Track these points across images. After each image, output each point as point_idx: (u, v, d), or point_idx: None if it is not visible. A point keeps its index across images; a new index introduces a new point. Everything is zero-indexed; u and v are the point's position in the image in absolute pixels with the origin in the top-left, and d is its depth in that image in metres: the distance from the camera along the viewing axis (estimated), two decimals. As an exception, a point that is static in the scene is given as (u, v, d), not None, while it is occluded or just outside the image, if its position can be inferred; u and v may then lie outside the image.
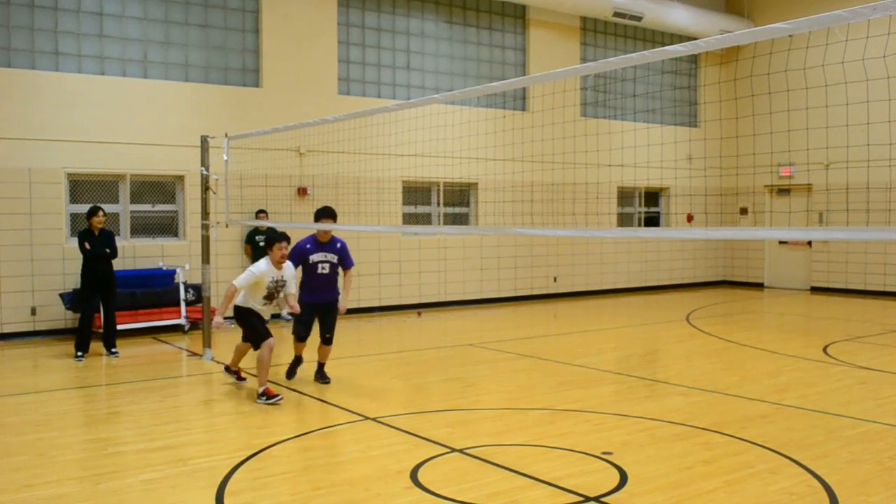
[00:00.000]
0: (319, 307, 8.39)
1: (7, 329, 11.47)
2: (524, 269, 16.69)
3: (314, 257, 8.35)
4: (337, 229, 8.38)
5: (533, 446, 6.17)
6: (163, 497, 5.15)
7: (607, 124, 17.01)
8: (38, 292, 11.65)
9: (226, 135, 10.43)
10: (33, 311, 11.66)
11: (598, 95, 17.82)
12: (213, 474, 5.54)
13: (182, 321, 12.09)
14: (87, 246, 10.14)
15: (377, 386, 8.51)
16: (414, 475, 5.47)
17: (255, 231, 13.26)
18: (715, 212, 19.17)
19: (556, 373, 9.29)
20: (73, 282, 11.61)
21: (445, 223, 15.73)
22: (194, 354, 10.45)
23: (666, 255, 19.13)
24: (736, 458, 5.87)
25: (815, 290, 18.27)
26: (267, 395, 7.62)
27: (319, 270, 8.36)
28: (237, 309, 8.01)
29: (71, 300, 11.27)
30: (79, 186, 12.17)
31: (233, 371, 8.63)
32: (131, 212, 12.57)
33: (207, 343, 10.15)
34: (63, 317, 11.78)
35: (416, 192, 15.35)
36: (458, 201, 16.09)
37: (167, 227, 12.99)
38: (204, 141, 10.28)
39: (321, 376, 8.51)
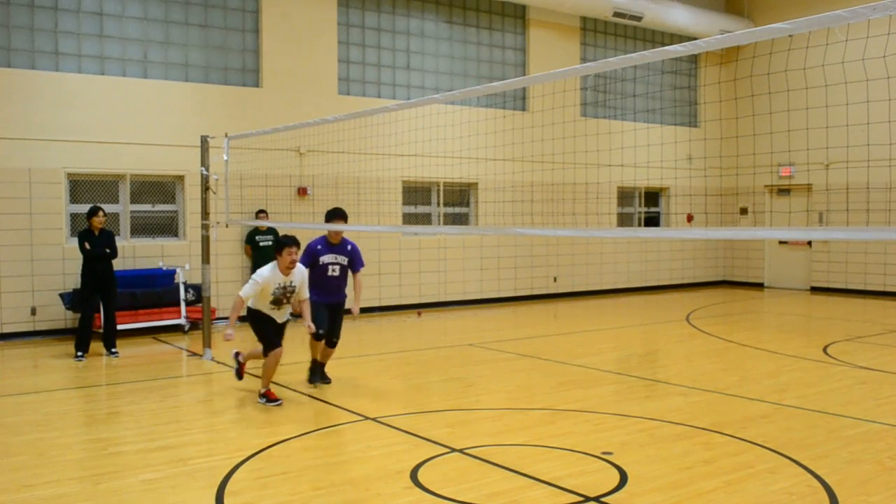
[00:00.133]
0: (328, 309, 8.28)
1: (7, 329, 11.47)
2: (524, 269, 16.69)
3: (325, 258, 8.26)
4: (337, 229, 8.36)
5: (533, 446, 6.17)
6: (163, 497, 5.15)
7: (607, 124, 17.00)
8: (38, 292, 11.65)
9: (226, 135, 10.43)
10: (33, 311, 11.66)
11: (598, 95, 17.82)
12: (213, 474, 5.54)
13: (182, 321, 12.10)
14: (87, 246, 10.14)
15: (377, 386, 8.51)
16: (414, 475, 5.47)
17: (255, 231, 13.26)
18: (715, 212, 19.17)
19: (556, 373, 9.30)
20: (73, 282, 11.61)
21: (445, 223, 15.72)
22: (194, 354, 10.45)
23: (666, 255, 19.13)
24: (736, 458, 5.87)
25: (815, 290, 18.27)
26: (267, 398, 7.62)
27: (330, 272, 8.26)
28: (248, 311, 7.82)
29: (71, 300, 11.27)
30: (79, 186, 12.17)
31: (239, 363, 8.33)
32: (131, 212, 12.57)
33: (207, 343, 10.15)
34: (63, 317, 11.78)
35: (416, 192, 15.35)
36: (458, 201, 16.09)
37: (167, 227, 12.99)
38: (204, 141, 10.29)
39: (322, 377, 8.50)
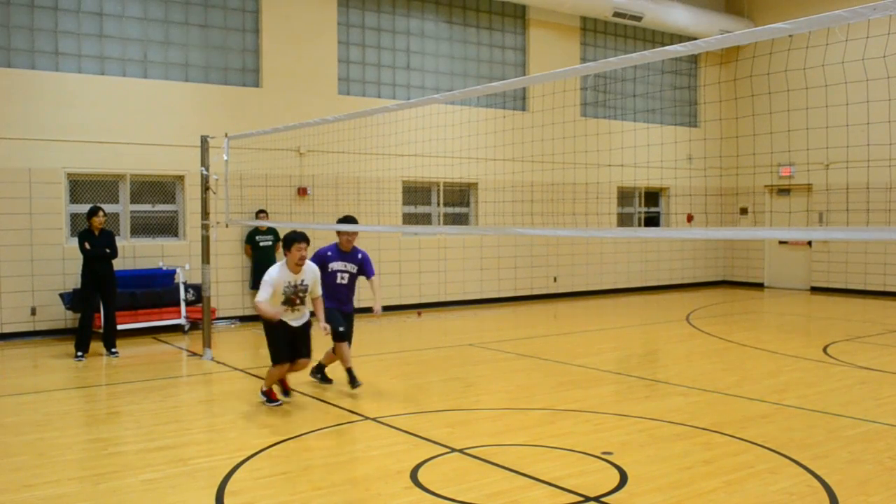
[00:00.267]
0: (340, 312, 8.11)
1: (7, 329, 11.47)
2: (524, 269, 16.69)
3: (334, 265, 8.10)
4: (337, 229, 8.33)
5: (533, 446, 6.17)
6: (163, 497, 5.15)
7: (607, 124, 17.01)
8: (38, 292, 11.65)
9: (226, 135, 10.42)
10: (33, 311, 11.66)
11: (598, 95, 17.82)
12: (213, 474, 5.54)
13: (182, 321, 12.10)
14: (88, 246, 10.14)
15: (377, 386, 8.50)
16: (414, 475, 5.47)
17: (255, 231, 13.26)
18: (715, 212, 19.17)
19: (556, 373, 9.29)
20: (73, 282, 11.61)
21: (445, 223, 15.72)
22: (194, 354, 10.45)
23: (666, 255, 19.13)
24: (736, 458, 5.87)
25: (815, 290, 18.27)
26: (267, 397, 7.58)
27: (339, 280, 8.11)
28: (264, 321, 7.48)
29: (71, 300, 11.27)
30: (79, 186, 12.17)
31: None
32: (131, 212, 12.57)
33: (207, 343, 10.15)
34: (63, 317, 11.78)
35: (416, 192, 15.35)
36: (458, 201, 16.09)
37: (167, 227, 12.99)
38: (204, 141, 10.28)
39: (322, 377, 8.49)
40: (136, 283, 11.86)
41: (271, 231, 13.33)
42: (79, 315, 10.51)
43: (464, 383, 8.82)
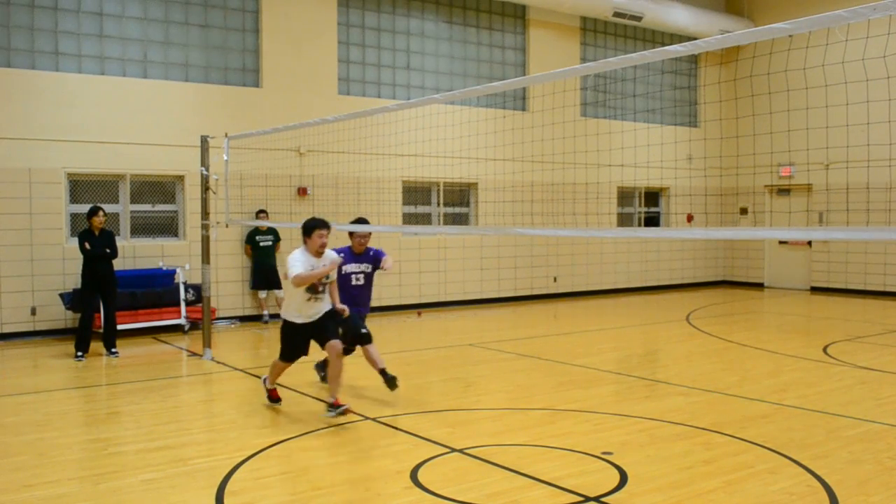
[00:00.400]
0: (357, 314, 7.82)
1: (7, 329, 11.48)
2: (524, 269, 16.69)
3: (348, 267, 7.92)
4: (337, 229, 8.28)
5: (533, 446, 6.17)
6: (163, 497, 5.15)
7: (607, 124, 17.01)
8: (38, 292, 11.65)
9: (226, 135, 10.43)
10: (33, 311, 11.66)
11: (598, 95, 17.82)
12: (213, 474, 5.54)
13: (182, 321, 12.10)
14: (88, 246, 10.14)
15: (377, 386, 8.49)
16: (414, 475, 5.47)
17: (255, 231, 13.26)
18: (715, 212, 19.17)
19: (556, 373, 9.29)
20: (73, 282, 11.61)
21: (445, 223, 15.72)
22: (194, 354, 10.45)
23: (666, 255, 19.13)
24: (736, 458, 5.87)
25: (815, 290, 18.27)
26: (269, 394, 7.57)
27: (353, 282, 7.93)
28: (283, 322, 7.30)
29: (71, 300, 11.27)
30: (79, 186, 12.17)
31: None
32: (131, 212, 12.57)
33: (207, 343, 10.15)
34: (63, 317, 11.78)
35: (416, 192, 15.35)
36: (458, 201, 16.09)
37: (167, 227, 12.99)
38: (204, 141, 10.28)
39: (325, 376, 8.40)
40: (136, 283, 11.86)
41: (271, 231, 13.33)
42: (79, 315, 10.50)
43: (464, 383, 8.82)
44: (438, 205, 15.71)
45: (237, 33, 13.45)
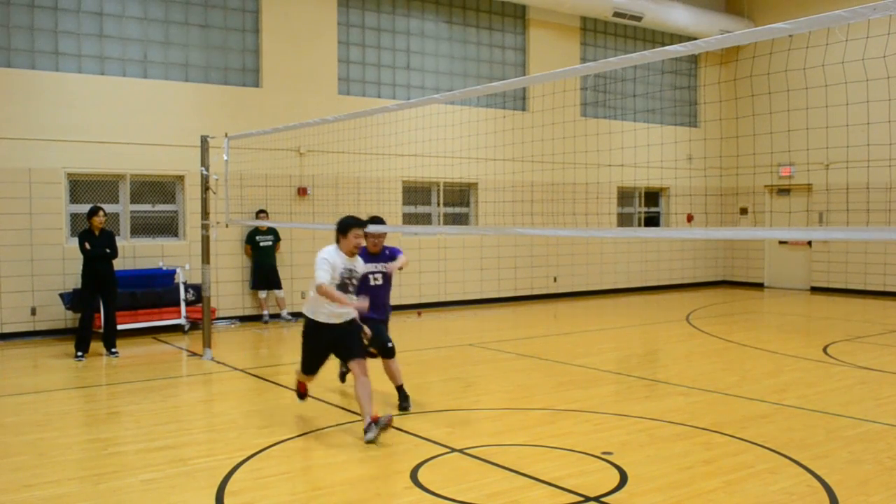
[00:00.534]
0: (376, 321, 7.39)
1: (7, 329, 11.47)
2: (524, 269, 16.69)
3: (365, 268, 7.39)
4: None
5: (533, 446, 6.17)
6: (163, 497, 5.15)
7: (607, 124, 17.00)
8: (38, 292, 11.65)
9: (226, 135, 10.43)
10: (33, 311, 11.66)
11: (598, 95, 17.82)
12: (213, 474, 5.54)
13: (182, 321, 12.10)
14: (88, 246, 10.14)
15: (377, 386, 8.47)
16: (414, 475, 5.47)
17: (256, 231, 13.26)
18: (715, 212, 19.17)
19: (556, 373, 9.29)
20: (73, 282, 11.61)
21: (445, 223, 15.72)
22: (194, 354, 10.45)
23: (666, 255, 19.13)
24: (736, 458, 5.87)
25: (815, 290, 18.27)
26: (297, 390, 7.27)
27: (372, 282, 7.50)
28: (306, 320, 6.74)
29: (71, 300, 11.27)
30: (79, 186, 12.17)
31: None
32: (131, 212, 12.57)
33: (207, 343, 10.14)
34: (63, 317, 11.78)
35: (416, 192, 15.35)
36: (458, 201, 16.09)
37: (167, 227, 12.99)
38: (204, 141, 10.28)
39: (405, 399, 7.63)
40: (136, 283, 11.86)
41: (271, 231, 13.34)
42: (79, 315, 10.50)
43: (464, 383, 8.82)
44: (438, 205, 15.71)
45: (237, 33, 13.45)
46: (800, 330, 13.18)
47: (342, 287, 6.54)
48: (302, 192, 13.76)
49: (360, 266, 6.77)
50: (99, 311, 10.44)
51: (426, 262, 15.28)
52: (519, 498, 5.04)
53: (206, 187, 10.23)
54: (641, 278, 18.68)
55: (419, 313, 14.54)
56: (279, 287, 13.39)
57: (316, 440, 6.46)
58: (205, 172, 10.22)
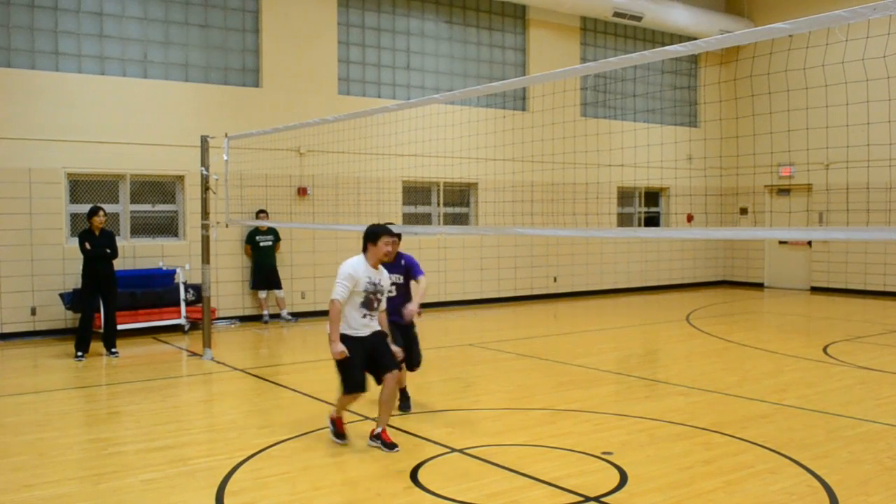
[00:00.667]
0: (398, 327, 7.16)
1: (7, 329, 11.47)
2: (524, 269, 16.69)
3: (387, 281, 7.02)
4: (337, 230, 8.25)
5: (533, 446, 6.17)
6: (163, 497, 5.15)
7: (607, 124, 17.00)
8: (38, 292, 11.65)
9: (226, 135, 10.43)
10: (33, 311, 11.65)
11: (598, 95, 17.82)
12: (213, 474, 5.54)
13: (182, 321, 12.09)
14: (88, 246, 10.14)
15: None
16: (414, 475, 5.47)
17: (255, 231, 13.26)
18: (715, 212, 19.16)
19: (556, 373, 9.29)
20: (73, 282, 11.61)
21: (445, 223, 15.72)
22: (194, 354, 10.45)
23: (666, 255, 19.13)
24: (736, 458, 5.87)
25: (815, 290, 18.27)
26: (334, 426, 6.39)
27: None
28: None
29: (71, 300, 11.27)
30: (79, 186, 12.17)
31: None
32: (131, 212, 12.57)
33: (207, 343, 10.14)
34: (63, 317, 11.77)
35: (416, 192, 15.35)
36: (458, 201, 16.09)
37: (167, 227, 12.99)
38: (204, 141, 10.28)
39: (405, 400, 7.57)
40: (136, 283, 11.85)
41: (271, 231, 13.33)
42: (79, 315, 10.50)
43: (464, 383, 8.82)
44: (438, 205, 15.71)
45: (237, 33, 13.45)
46: (800, 330, 13.18)
47: (367, 303, 6.15)
48: (302, 192, 13.76)
49: (385, 279, 6.35)
50: (99, 311, 10.44)
51: (426, 262, 15.15)
52: (519, 498, 5.04)
53: (206, 187, 10.23)
54: (641, 278, 18.68)
55: (419, 313, 14.51)
56: (279, 287, 13.39)
57: (316, 440, 6.46)
58: (205, 172, 10.22)
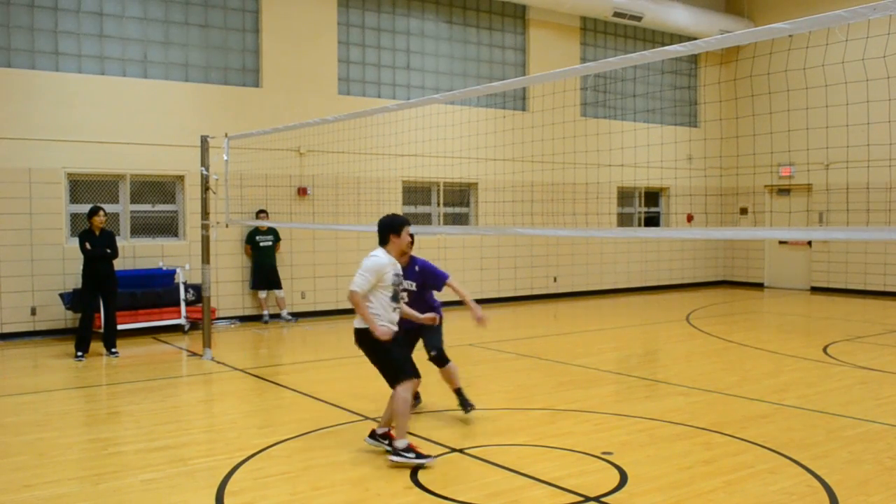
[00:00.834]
0: (406, 332, 6.73)
1: (7, 329, 11.47)
2: (524, 269, 16.69)
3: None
4: (337, 229, 8.24)
5: (533, 446, 6.17)
6: (163, 497, 5.15)
7: (607, 124, 17.00)
8: (38, 292, 11.65)
9: (226, 135, 10.43)
10: (33, 311, 11.65)
11: (598, 95, 17.82)
12: (213, 474, 5.54)
13: (182, 321, 12.09)
14: (88, 246, 10.14)
15: (377, 386, 8.47)
16: (414, 475, 5.47)
17: (256, 231, 13.26)
18: (715, 212, 19.16)
19: (556, 373, 9.29)
20: (73, 282, 11.61)
21: (445, 223, 15.72)
22: (194, 354, 10.45)
23: (666, 255, 19.13)
24: (736, 458, 5.87)
25: (815, 290, 18.26)
26: (412, 452, 5.65)
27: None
28: (359, 333, 5.89)
29: (71, 300, 11.27)
30: (79, 186, 12.17)
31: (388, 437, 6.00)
32: (131, 212, 12.57)
33: (207, 343, 10.14)
34: (63, 317, 11.77)
35: (416, 192, 15.35)
36: (458, 201, 16.09)
37: (167, 227, 12.99)
38: (204, 141, 10.28)
39: (464, 401, 7.36)
40: (136, 283, 11.85)
41: (271, 231, 13.33)
42: (79, 315, 10.50)
43: (464, 383, 8.79)
44: (438, 205, 15.71)
45: (237, 33, 13.45)
46: (800, 330, 13.18)
47: (395, 297, 5.88)
48: (302, 192, 13.76)
49: (401, 271, 6.04)
50: (99, 311, 10.44)
51: (426, 262, 15.25)
52: (519, 498, 5.04)
53: (206, 187, 10.23)
54: (641, 278, 18.68)
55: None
56: (279, 287, 13.39)
57: (316, 440, 6.46)
58: (205, 172, 10.22)
